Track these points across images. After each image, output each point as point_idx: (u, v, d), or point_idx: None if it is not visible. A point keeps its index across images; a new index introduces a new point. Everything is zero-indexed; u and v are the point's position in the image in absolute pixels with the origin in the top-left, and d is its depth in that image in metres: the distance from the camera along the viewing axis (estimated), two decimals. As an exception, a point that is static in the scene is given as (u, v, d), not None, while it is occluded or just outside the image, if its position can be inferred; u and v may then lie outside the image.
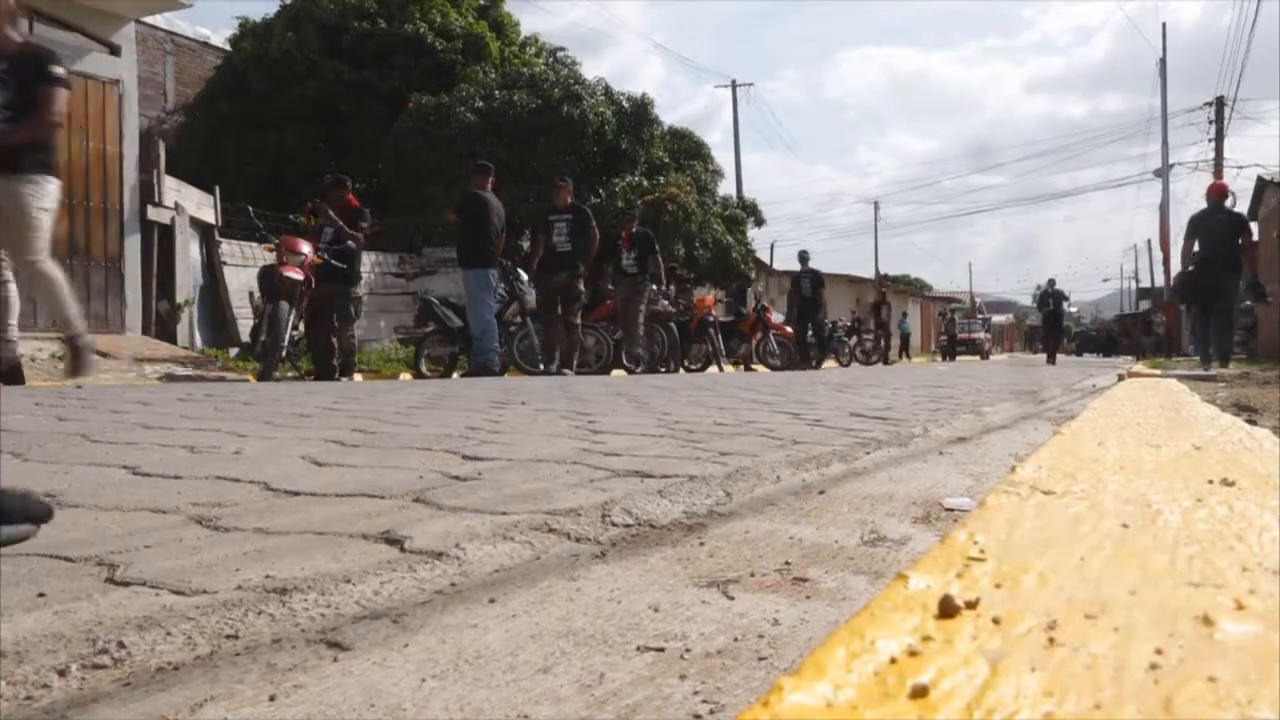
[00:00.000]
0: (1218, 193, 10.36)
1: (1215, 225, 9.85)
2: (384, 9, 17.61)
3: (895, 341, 24.85)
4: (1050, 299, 19.04)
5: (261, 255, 11.16)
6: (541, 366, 9.74)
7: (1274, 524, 0.97)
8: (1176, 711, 0.49)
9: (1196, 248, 9.90)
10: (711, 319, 13.98)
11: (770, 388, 6.09)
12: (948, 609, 0.67)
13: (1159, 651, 0.58)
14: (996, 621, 0.65)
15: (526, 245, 12.97)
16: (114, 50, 9.81)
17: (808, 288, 15.68)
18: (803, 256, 16.22)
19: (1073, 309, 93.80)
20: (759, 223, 22.04)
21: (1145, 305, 42.66)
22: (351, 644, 0.88)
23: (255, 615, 0.95)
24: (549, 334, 9.80)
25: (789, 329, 15.36)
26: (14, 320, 5.78)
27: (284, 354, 8.24)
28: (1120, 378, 6.50)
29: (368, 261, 13.07)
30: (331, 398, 4.43)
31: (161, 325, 10.45)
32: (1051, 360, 17.66)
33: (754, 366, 14.74)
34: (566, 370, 9.60)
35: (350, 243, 8.50)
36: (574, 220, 10.12)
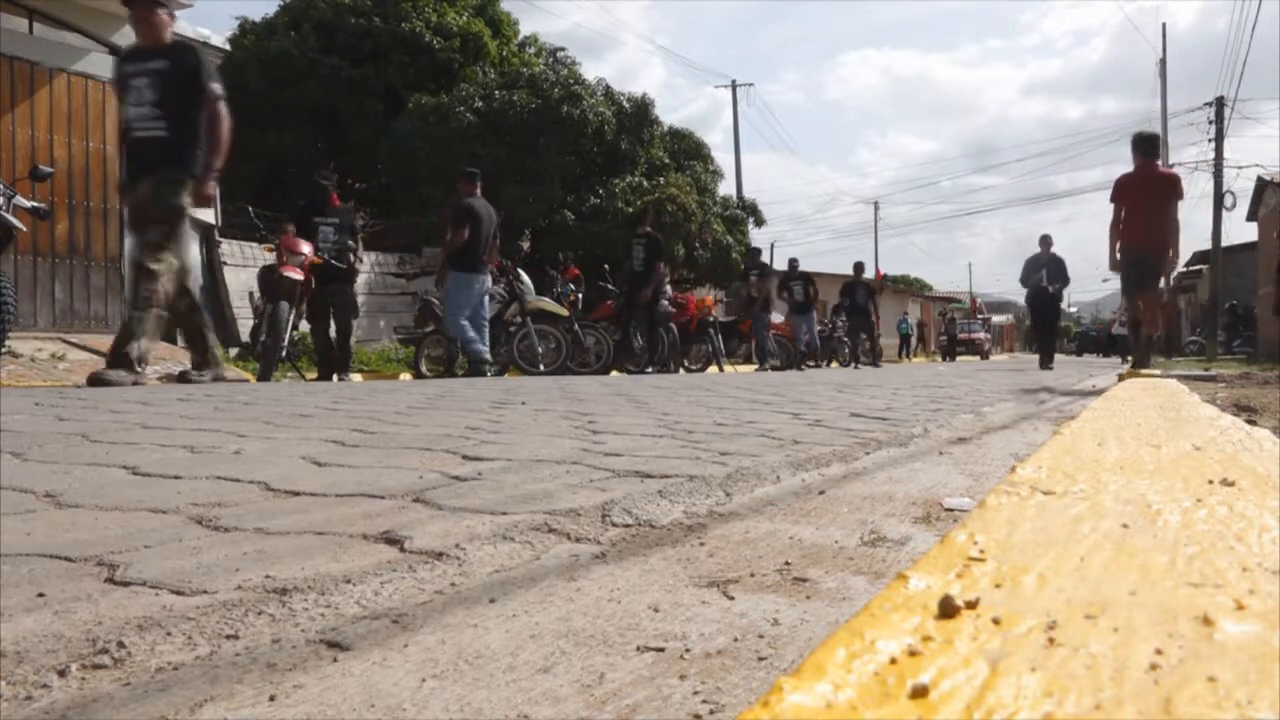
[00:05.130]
0: None
1: None
2: (379, 7, 17.62)
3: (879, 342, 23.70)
4: (1043, 272, 12.28)
5: (261, 255, 11.17)
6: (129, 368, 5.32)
7: (1274, 524, 0.97)
8: (1176, 711, 0.49)
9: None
10: (711, 319, 14.00)
11: (770, 388, 6.09)
12: (948, 609, 0.67)
13: (1159, 651, 0.58)
14: (996, 622, 0.65)
15: (526, 245, 12.95)
16: (114, 50, 9.81)
17: (799, 292, 16.10)
18: (791, 263, 16.75)
19: (1072, 309, 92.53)
20: (759, 223, 22.09)
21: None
22: (351, 644, 0.88)
23: (255, 615, 0.95)
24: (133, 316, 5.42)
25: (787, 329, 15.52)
26: None
27: (284, 354, 8.25)
28: (1120, 378, 6.50)
29: (367, 261, 13.09)
30: (331, 398, 4.43)
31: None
32: (1046, 363, 12.22)
33: (729, 367, 14.42)
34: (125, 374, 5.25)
35: (351, 241, 8.53)
36: (167, 73, 5.45)
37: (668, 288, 14.39)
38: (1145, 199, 7.93)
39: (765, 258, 16.72)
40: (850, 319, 17.68)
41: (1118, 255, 8.11)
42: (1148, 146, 8.20)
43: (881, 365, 17.59)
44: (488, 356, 8.89)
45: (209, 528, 1.36)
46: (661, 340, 12.16)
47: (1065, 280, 12.38)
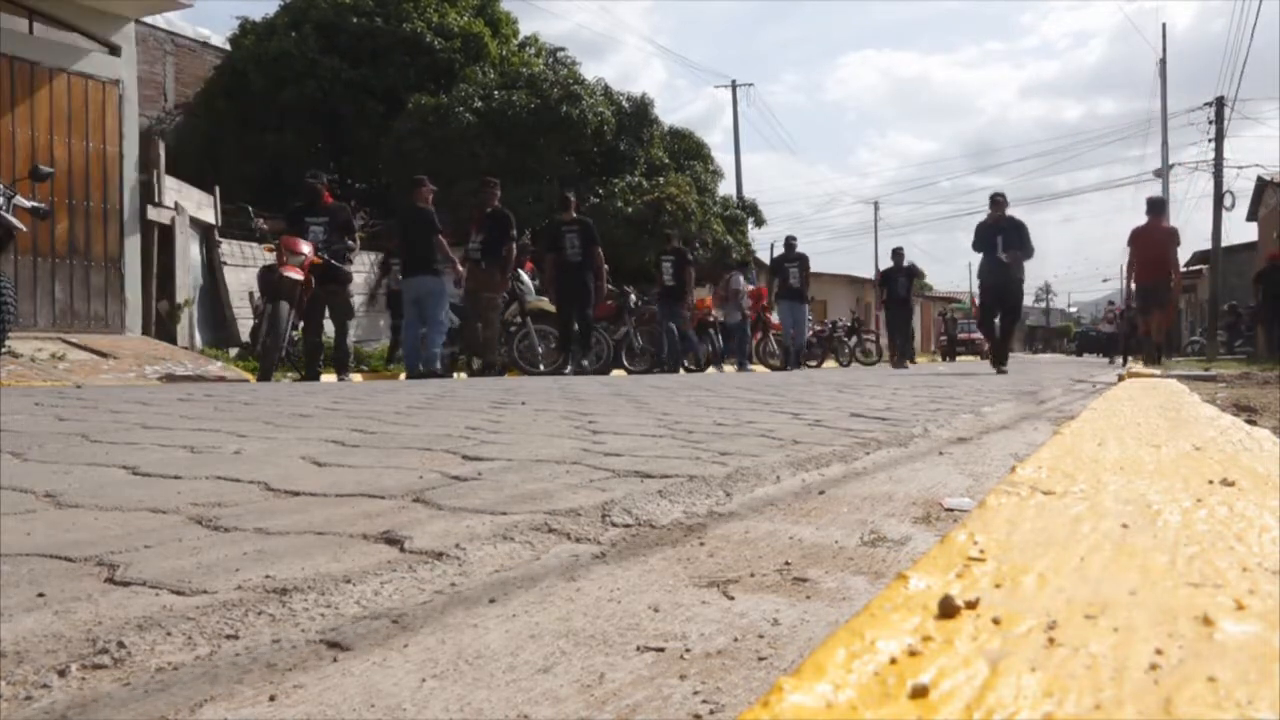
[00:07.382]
0: None
1: None
2: (380, 7, 17.60)
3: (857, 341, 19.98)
4: (999, 240, 9.40)
5: (261, 255, 11.16)
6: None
7: (1274, 524, 0.97)
8: (1176, 711, 0.49)
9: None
10: (711, 319, 13.98)
11: (770, 388, 6.09)
12: (948, 609, 0.67)
13: (1159, 651, 0.58)
14: (996, 622, 0.65)
15: (530, 246, 12.96)
16: (114, 50, 9.81)
17: (795, 276, 14.03)
18: (788, 242, 14.55)
19: (1072, 309, 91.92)
20: (759, 223, 22.07)
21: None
22: (351, 644, 0.88)
23: (255, 615, 0.95)
24: None
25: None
26: None
27: (284, 354, 8.24)
28: (1120, 378, 6.51)
29: (367, 261, 13.09)
30: (331, 398, 4.43)
31: (161, 325, 10.44)
32: (997, 361, 9.68)
33: (729, 368, 13.93)
34: None
35: (349, 240, 8.52)
36: None
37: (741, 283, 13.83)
38: (1152, 246, 10.48)
39: (765, 257, 16.06)
40: (888, 311, 15.49)
41: (1133, 287, 11.05)
42: (1158, 207, 11.21)
43: (910, 365, 15.28)
44: (438, 371, 8.86)
45: (209, 528, 1.36)
46: (662, 341, 12.09)
47: (1026, 250, 9.42)
